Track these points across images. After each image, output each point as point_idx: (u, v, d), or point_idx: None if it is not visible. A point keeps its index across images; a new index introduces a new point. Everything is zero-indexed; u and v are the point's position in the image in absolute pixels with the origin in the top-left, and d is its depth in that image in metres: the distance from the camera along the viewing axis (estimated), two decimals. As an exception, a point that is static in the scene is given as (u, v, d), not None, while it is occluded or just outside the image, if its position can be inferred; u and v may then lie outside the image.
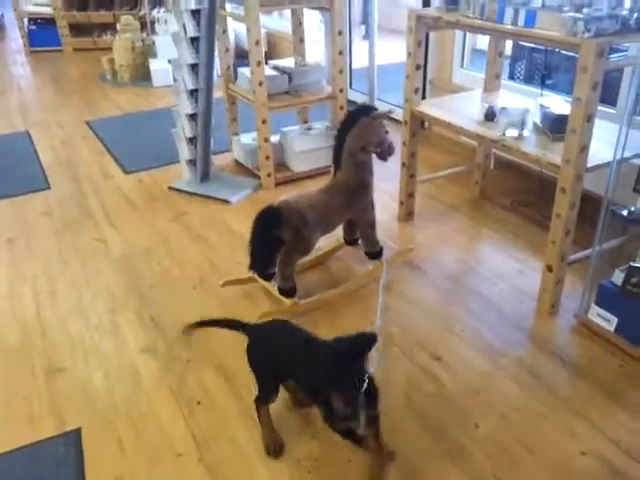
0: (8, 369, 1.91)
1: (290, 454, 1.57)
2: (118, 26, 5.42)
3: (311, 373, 1.39)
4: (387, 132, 2.14)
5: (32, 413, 1.73)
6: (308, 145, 3.17)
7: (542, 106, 2.17)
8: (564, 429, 1.61)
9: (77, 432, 1.65)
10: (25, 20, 6.66)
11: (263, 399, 1.58)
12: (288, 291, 2.10)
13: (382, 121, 2.12)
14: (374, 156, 2.16)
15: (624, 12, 1.73)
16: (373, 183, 2.20)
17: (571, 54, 2.61)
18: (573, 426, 1.62)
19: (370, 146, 2.10)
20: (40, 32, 6.67)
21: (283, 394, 1.66)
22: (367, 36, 6.35)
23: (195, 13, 2.70)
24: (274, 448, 1.57)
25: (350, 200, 2.15)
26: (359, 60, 4.40)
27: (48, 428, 1.67)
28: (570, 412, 1.66)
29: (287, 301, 2.10)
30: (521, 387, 1.75)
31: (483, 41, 3.41)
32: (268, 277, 2.16)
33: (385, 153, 2.16)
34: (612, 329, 1.90)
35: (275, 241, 2.03)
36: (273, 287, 2.16)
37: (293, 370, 1.51)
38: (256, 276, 2.19)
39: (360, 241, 2.34)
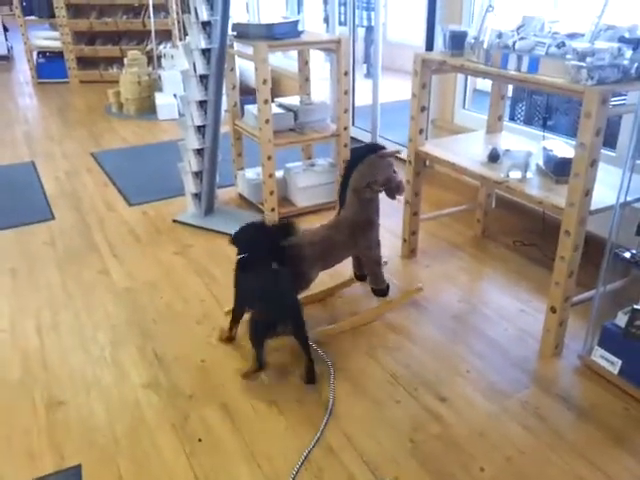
0: (9, 402, 1.89)
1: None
2: (125, 60, 5.53)
3: None
4: (395, 171, 2.16)
5: (32, 448, 1.71)
6: (312, 181, 3.21)
7: (545, 149, 2.22)
8: (570, 473, 1.59)
9: (77, 469, 1.63)
10: (34, 53, 6.79)
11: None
12: None
13: (390, 160, 2.14)
14: (382, 194, 2.19)
15: (625, 62, 1.78)
16: (379, 221, 2.22)
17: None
18: (579, 470, 1.60)
19: (375, 185, 2.12)
20: (48, 64, 6.80)
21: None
22: (369, 75, 6.50)
23: (205, 52, 2.76)
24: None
25: (354, 237, 2.17)
26: (361, 98, 4.49)
27: (48, 464, 1.65)
28: (576, 456, 1.65)
29: None
30: (526, 429, 1.74)
31: (483, 82, 3.50)
32: None
33: (393, 191, 2.18)
34: (616, 372, 1.90)
35: None
36: None
37: None
38: None
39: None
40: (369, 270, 2.28)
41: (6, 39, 8.23)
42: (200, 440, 1.73)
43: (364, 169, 2.12)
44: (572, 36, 1.98)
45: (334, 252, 2.17)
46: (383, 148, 2.14)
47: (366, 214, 2.17)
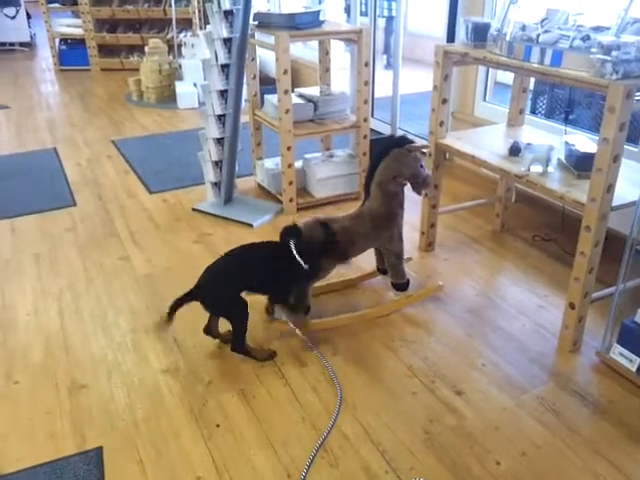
0: (32, 384, 1.94)
1: (309, 482, 1.57)
2: (146, 48, 5.55)
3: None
4: (422, 166, 2.16)
5: (54, 430, 1.75)
6: (330, 172, 3.21)
7: (567, 143, 2.20)
8: (586, 469, 1.60)
9: (98, 451, 1.67)
10: (57, 40, 6.86)
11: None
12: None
13: (417, 154, 2.13)
14: (408, 188, 2.19)
15: (652, 56, 1.76)
16: (402, 215, 2.22)
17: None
18: (595, 467, 1.60)
19: (400, 178, 2.11)
20: (70, 52, 6.87)
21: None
22: (389, 66, 6.46)
23: (227, 41, 2.77)
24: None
25: (376, 229, 2.17)
26: (381, 89, 4.47)
27: (70, 445, 1.69)
28: (592, 452, 1.65)
29: None
30: (542, 424, 1.74)
31: (504, 74, 3.47)
32: None
33: (419, 186, 2.18)
34: (634, 369, 1.89)
35: None
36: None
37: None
38: None
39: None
40: (389, 263, 2.28)
41: (29, 26, 8.30)
42: (218, 426, 1.75)
43: (390, 162, 2.11)
44: (597, 29, 1.96)
45: (356, 242, 2.18)
46: (411, 142, 2.13)
47: (389, 207, 2.17)
